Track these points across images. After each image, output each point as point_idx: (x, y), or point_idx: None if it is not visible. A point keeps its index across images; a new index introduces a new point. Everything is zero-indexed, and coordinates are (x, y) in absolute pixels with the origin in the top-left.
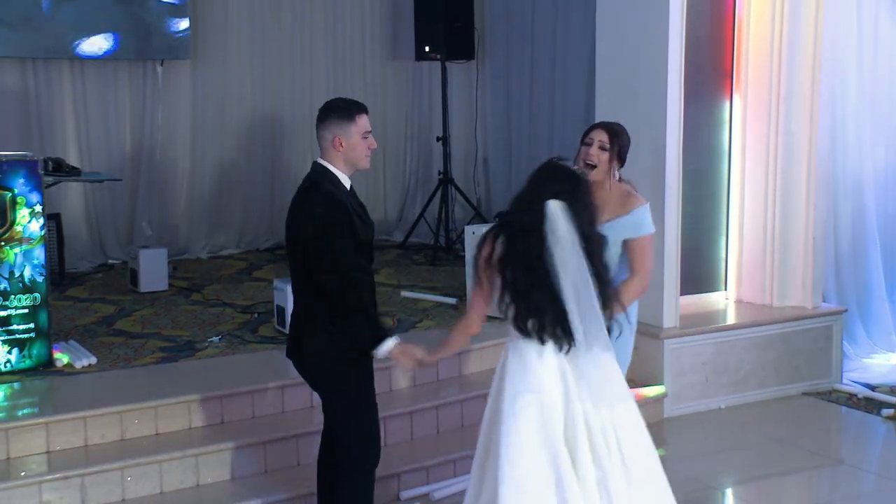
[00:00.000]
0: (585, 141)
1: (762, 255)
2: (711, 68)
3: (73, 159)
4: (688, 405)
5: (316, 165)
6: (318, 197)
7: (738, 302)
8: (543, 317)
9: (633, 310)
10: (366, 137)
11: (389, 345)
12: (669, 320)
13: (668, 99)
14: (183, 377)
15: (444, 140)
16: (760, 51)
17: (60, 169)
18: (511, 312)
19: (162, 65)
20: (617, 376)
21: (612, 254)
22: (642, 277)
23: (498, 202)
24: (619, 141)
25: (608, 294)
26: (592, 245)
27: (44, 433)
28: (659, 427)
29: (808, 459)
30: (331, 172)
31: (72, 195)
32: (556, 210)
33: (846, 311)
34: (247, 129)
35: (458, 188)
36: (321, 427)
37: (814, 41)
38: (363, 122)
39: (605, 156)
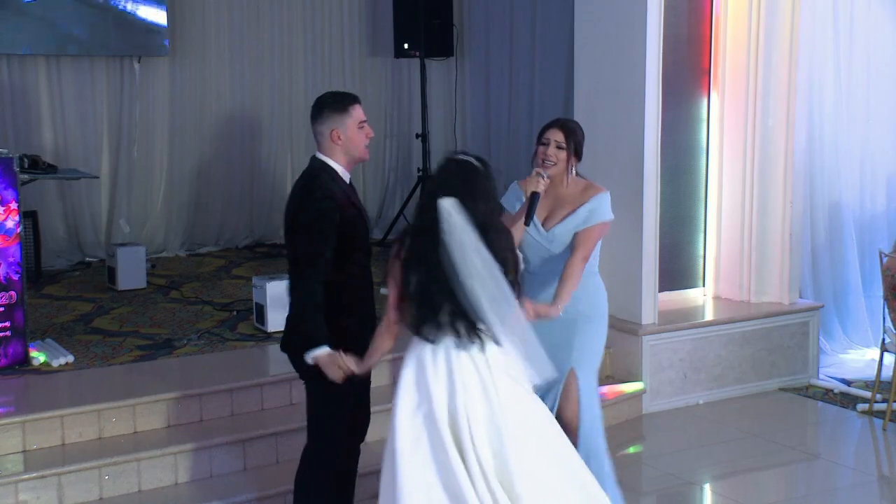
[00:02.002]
0: (542, 140)
1: (740, 251)
2: (689, 66)
3: (49, 156)
4: (666, 401)
5: (313, 160)
6: (311, 190)
7: (716, 298)
8: (440, 316)
9: (601, 300)
10: (361, 127)
11: (317, 352)
12: (648, 317)
13: (647, 96)
14: (161, 375)
15: (424, 137)
16: (738, 48)
17: (37, 166)
18: (410, 315)
19: (139, 61)
20: (515, 377)
21: (564, 242)
22: (582, 258)
23: None
24: (574, 138)
25: (518, 283)
26: (492, 235)
27: (20, 432)
28: (637, 423)
29: (785, 454)
30: (329, 167)
31: (48, 193)
32: (448, 207)
33: (823, 306)
34: (225, 126)
35: None
36: (301, 424)
37: (790, 38)
38: (357, 112)
39: (563, 154)
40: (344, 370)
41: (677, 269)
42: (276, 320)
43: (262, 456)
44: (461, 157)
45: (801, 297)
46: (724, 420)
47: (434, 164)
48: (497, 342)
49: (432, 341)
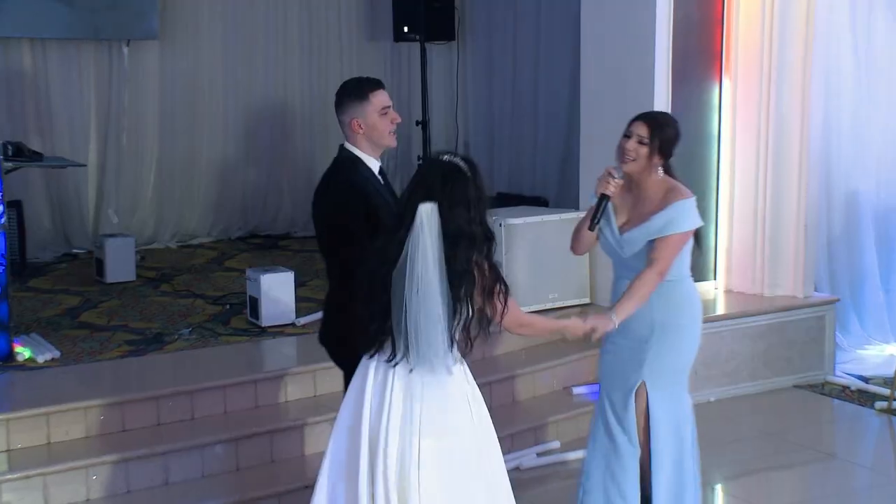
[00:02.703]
0: (626, 132)
1: (752, 243)
2: (700, 49)
3: (34, 144)
4: None
5: (341, 149)
6: (335, 182)
7: (728, 292)
8: (374, 325)
9: (686, 309)
10: (385, 114)
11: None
12: None
13: (656, 82)
14: (151, 371)
15: (424, 124)
16: (751, 31)
17: (21, 154)
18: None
19: (128, 45)
20: (449, 407)
21: (639, 251)
22: (660, 269)
23: None
24: (661, 134)
25: (466, 299)
26: (462, 246)
27: (4, 431)
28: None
29: (800, 454)
30: (354, 156)
31: (33, 181)
32: (425, 213)
33: (839, 300)
34: (218, 113)
35: None
36: (296, 422)
37: (806, 21)
38: (378, 99)
39: (644, 150)
40: None
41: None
42: (271, 314)
43: (256, 455)
44: (447, 158)
45: (816, 291)
46: (737, 418)
47: (433, 152)
48: (418, 365)
49: (372, 353)
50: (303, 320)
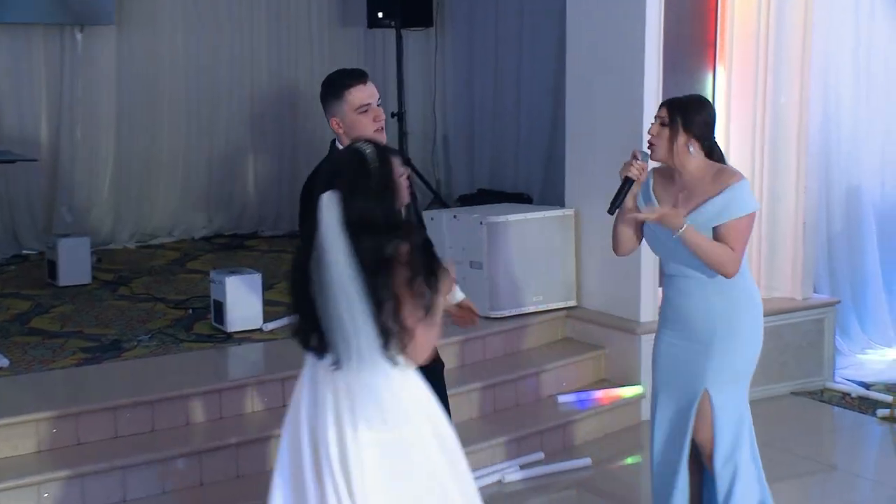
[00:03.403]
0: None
1: (748, 241)
2: (693, 38)
3: None
4: None
5: (331, 147)
6: (310, 181)
7: None
8: (304, 324)
9: (745, 310)
10: (363, 112)
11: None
12: (647, 314)
13: (646, 70)
14: (108, 381)
15: (400, 116)
16: (746, 18)
17: None
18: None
19: (82, 31)
20: (388, 402)
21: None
22: (736, 259)
23: (459, 184)
24: (682, 112)
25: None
26: (366, 238)
27: None
28: (635, 431)
29: (799, 465)
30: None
31: None
32: (325, 202)
33: (839, 302)
34: (180, 104)
35: (415, 169)
36: (263, 435)
37: (804, 7)
38: (354, 96)
39: (665, 132)
40: None
41: None
42: (237, 319)
43: (220, 469)
44: (356, 145)
45: (815, 292)
46: None
47: (409, 146)
48: (340, 364)
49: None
50: (270, 325)
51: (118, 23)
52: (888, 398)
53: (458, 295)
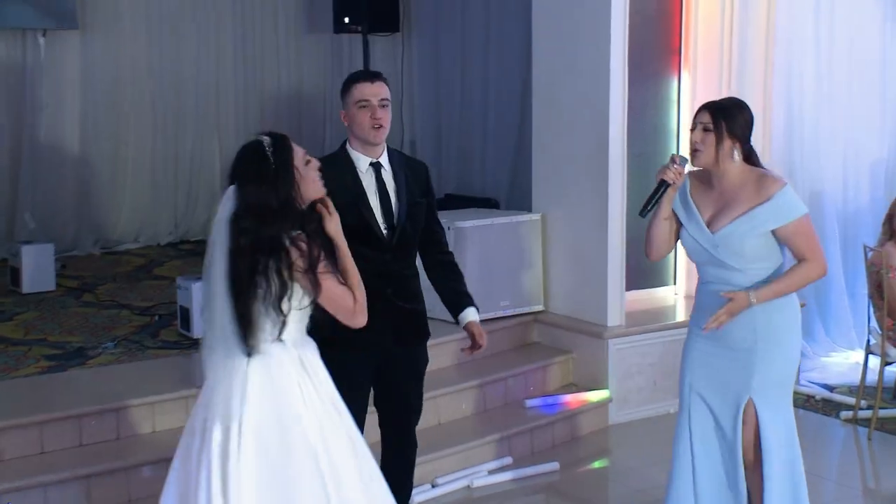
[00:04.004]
0: (691, 126)
1: None
2: (658, 43)
3: None
4: (634, 410)
5: (342, 145)
6: None
7: (689, 297)
8: (206, 316)
9: (786, 320)
10: (363, 107)
11: None
12: (614, 318)
13: (612, 76)
14: (73, 388)
15: None
16: (710, 24)
17: None
18: None
19: (44, 35)
20: (270, 391)
21: (750, 246)
22: (818, 262)
23: None
24: (725, 116)
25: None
26: (248, 223)
27: None
28: (603, 434)
29: None
30: (344, 151)
31: None
32: (226, 196)
33: (804, 306)
34: (144, 109)
35: None
36: None
37: (767, 14)
38: (358, 91)
39: (710, 137)
40: None
41: (646, 265)
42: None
43: None
44: (255, 136)
45: None
46: None
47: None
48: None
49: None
50: None
51: (82, 27)
52: (851, 400)
53: (470, 314)
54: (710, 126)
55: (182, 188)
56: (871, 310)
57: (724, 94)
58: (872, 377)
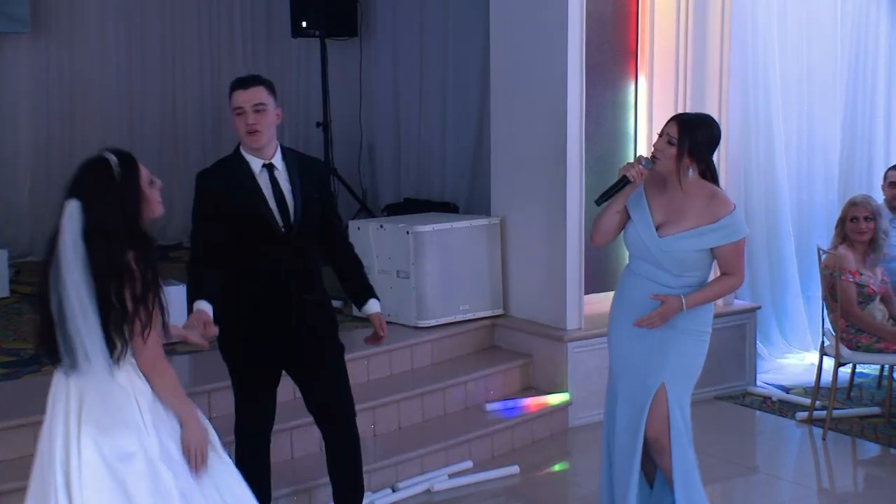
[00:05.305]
0: (660, 132)
1: None
2: (614, 47)
3: None
4: (593, 414)
5: (236, 147)
6: (195, 179)
7: None
8: (40, 330)
9: (708, 316)
10: (239, 114)
11: (196, 305)
12: (573, 321)
13: (569, 80)
14: (27, 396)
15: (325, 125)
16: (665, 27)
17: None
18: None
19: None
20: (111, 414)
21: (691, 258)
22: (740, 276)
23: (386, 193)
24: (691, 136)
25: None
26: (96, 244)
27: None
28: (562, 438)
29: (723, 468)
30: (238, 154)
31: None
32: (67, 211)
33: (760, 307)
34: (100, 114)
35: (341, 178)
36: None
37: (721, 17)
38: (234, 99)
39: (671, 151)
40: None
41: (604, 268)
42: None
43: None
44: (102, 153)
45: (737, 298)
46: None
47: (335, 155)
48: (72, 369)
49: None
50: None
51: (33, 31)
52: (806, 401)
53: (373, 307)
54: (675, 140)
55: None
56: (825, 312)
57: (680, 98)
58: (827, 378)
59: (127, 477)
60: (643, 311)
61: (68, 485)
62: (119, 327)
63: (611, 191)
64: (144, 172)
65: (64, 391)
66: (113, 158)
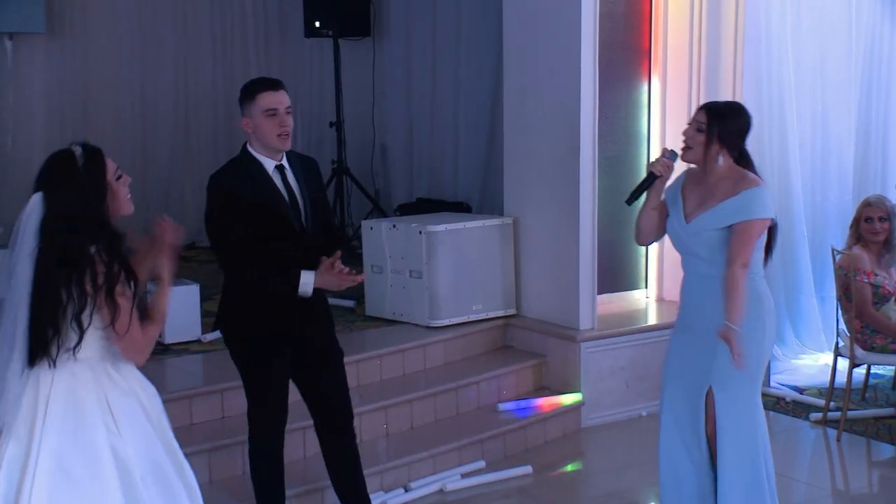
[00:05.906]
0: (689, 121)
1: None
2: (627, 47)
3: None
4: (606, 413)
5: (242, 148)
6: (210, 181)
7: (660, 300)
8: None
9: (756, 313)
10: (270, 116)
11: (308, 277)
12: (586, 322)
13: (583, 80)
14: None
15: (338, 125)
16: (679, 26)
17: None
18: None
19: (11, 39)
20: (73, 410)
21: (718, 237)
22: (734, 266)
23: (399, 193)
24: (720, 122)
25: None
26: (55, 233)
27: None
28: (575, 437)
29: None
30: (249, 155)
31: None
32: (30, 204)
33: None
34: (114, 114)
35: (353, 178)
36: (203, 447)
37: (735, 16)
38: (265, 100)
39: (700, 138)
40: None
41: (617, 269)
42: (175, 330)
43: None
44: (68, 146)
45: None
46: None
47: (347, 155)
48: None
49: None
50: (209, 336)
51: (49, 31)
52: (820, 402)
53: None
54: (704, 127)
55: (151, 193)
56: (840, 312)
57: (693, 97)
58: (841, 379)
59: (91, 470)
60: (689, 307)
61: (21, 479)
62: (77, 318)
63: (639, 189)
64: (111, 165)
65: (23, 384)
66: (78, 150)
